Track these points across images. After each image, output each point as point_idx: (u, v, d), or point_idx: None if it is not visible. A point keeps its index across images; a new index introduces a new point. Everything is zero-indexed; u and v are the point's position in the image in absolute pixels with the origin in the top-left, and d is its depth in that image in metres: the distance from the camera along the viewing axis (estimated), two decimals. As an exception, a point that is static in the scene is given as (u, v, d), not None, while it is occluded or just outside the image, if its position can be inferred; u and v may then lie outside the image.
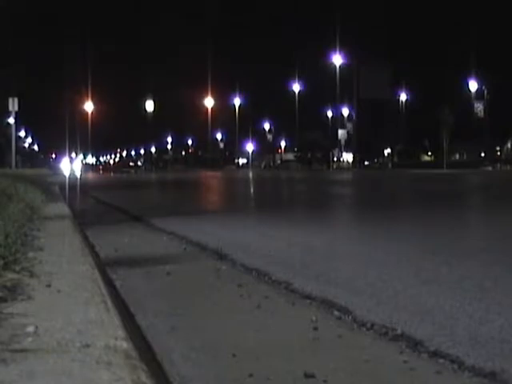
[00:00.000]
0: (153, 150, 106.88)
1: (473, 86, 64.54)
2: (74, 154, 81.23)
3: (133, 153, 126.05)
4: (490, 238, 6.28)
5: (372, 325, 2.88)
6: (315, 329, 2.87)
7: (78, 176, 39.67)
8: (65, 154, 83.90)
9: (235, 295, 3.61)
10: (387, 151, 79.74)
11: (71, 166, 71.77)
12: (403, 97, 74.54)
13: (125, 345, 2.20)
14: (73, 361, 2.00)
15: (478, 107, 64.00)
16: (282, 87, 79.32)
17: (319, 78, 72.17)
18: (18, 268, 3.41)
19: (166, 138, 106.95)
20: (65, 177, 34.66)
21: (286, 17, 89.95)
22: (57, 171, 49.73)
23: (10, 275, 3.20)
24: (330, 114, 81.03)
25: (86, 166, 71.71)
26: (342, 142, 78.02)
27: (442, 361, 2.40)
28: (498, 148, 73.96)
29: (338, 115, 78.27)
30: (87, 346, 2.15)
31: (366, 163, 79.06)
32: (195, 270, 4.50)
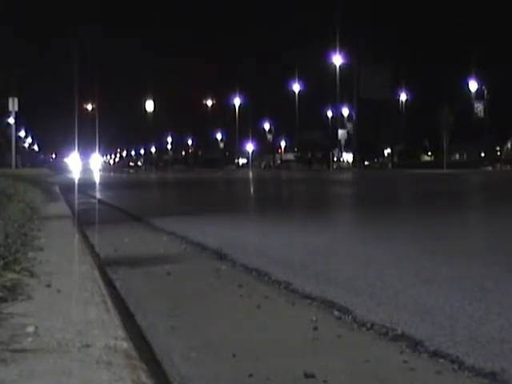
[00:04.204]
0: (153, 150, 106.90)
1: (473, 86, 64.56)
2: (72, 154, 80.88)
3: (133, 153, 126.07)
4: (490, 237, 6.28)
5: (372, 325, 2.87)
6: (315, 329, 2.87)
7: (97, 176, 38.63)
8: (68, 154, 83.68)
9: (235, 295, 3.61)
10: (387, 151, 79.74)
11: (86, 164, 70.74)
12: (403, 97, 74.56)
13: (125, 345, 2.20)
14: (73, 361, 2.00)
15: (478, 107, 64.02)
16: (282, 87, 79.37)
17: (319, 78, 72.20)
18: (18, 268, 3.41)
19: (166, 138, 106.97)
20: (68, 177, 34.62)
21: (286, 17, 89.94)
22: (59, 171, 49.04)
23: (10, 275, 3.20)
24: (330, 114, 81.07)
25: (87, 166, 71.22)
26: (342, 142, 78.04)
27: (442, 361, 2.40)
28: (498, 148, 74.00)
29: (338, 115, 78.28)
30: (87, 346, 2.15)
31: (366, 163, 79.07)
32: (195, 270, 4.50)
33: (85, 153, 76.42)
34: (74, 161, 69.36)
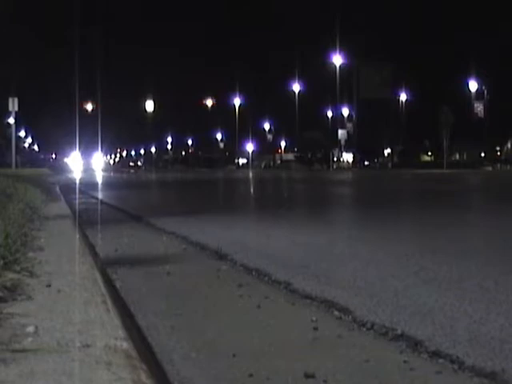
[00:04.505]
0: (153, 150, 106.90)
1: (473, 86, 64.58)
2: (73, 154, 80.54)
3: (133, 153, 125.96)
4: (491, 237, 6.28)
5: (372, 325, 2.88)
6: (315, 329, 2.87)
7: (98, 176, 38.23)
8: (68, 153, 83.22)
9: (235, 295, 3.61)
10: (387, 151, 79.74)
11: (88, 163, 69.73)
12: (403, 97, 74.55)
13: (125, 345, 2.20)
14: (73, 361, 2.00)
15: (478, 107, 64.05)
16: (282, 87, 79.35)
17: (319, 78, 72.19)
18: (18, 268, 3.41)
19: (166, 138, 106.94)
20: (68, 177, 34.56)
21: (286, 16, 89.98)
22: (59, 171, 48.68)
23: (10, 275, 3.20)
24: (330, 114, 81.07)
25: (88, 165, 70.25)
26: (342, 142, 78.00)
27: (441, 361, 2.40)
28: (497, 148, 74.03)
29: (338, 115, 78.29)
30: (87, 346, 2.15)
31: (366, 163, 79.05)
32: (195, 270, 4.50)
33: (86, 152, 75.96)
34: (74, 160, 68.88)
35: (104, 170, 61.84)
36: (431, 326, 2.82)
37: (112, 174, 50.89)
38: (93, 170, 56.79)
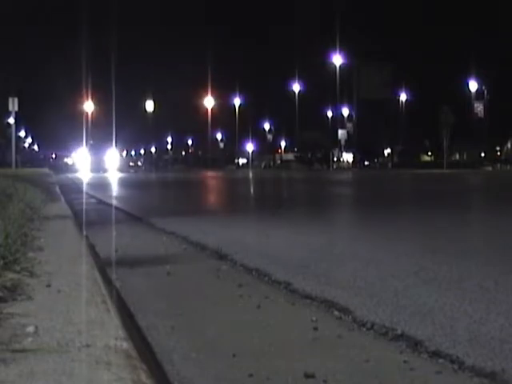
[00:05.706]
0: (153, 150, 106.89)
1: (473, 86, 64.59)
2: (73, 154, 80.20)
3: (133, 153, 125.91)
4: (491, 237, 6.28)
5: (372, 325, 2.88)
6: (315, 329, 2.87)
7: (100, 176, 37.30)
8: (68, 154, 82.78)
9: (235, 295, 3.61)
10: (387, 151, 79.75)
11: (99, 162, 65.57)
12: (403, 97, 74.55)
13: (125, 345, 2.20)
14: (73, 361, 2.00)
15: (478, 107, 64.08)
16: (282, 87, 79.35)
17: (319, 78, 72.19)
18: (18, 268, 3.41)
19: (166, 138, 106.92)
20: (68, 177, 34.49)
21: (286, 17, 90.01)
22: (59, 171, 47.99)
23: (10, 275, 3.20)
24: (330, 114, 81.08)
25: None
26: (342, 142, 78.01)
27: (441, 361, 2.40)
28: (497, 148, 74.04)
29: (338, 115, 78.30)
30: (87, 346, 2.15)
31: (366, 163, 79.05)
32: (195, 270, 4.50)
33: (91, 151, 74.39)
34: (80, 160, 66.86)
35: (120, 171, 57.30)
36: (431, 326, 2.82)
37: (113, 174, 50.64)
38: (100, 171, 53.08)
